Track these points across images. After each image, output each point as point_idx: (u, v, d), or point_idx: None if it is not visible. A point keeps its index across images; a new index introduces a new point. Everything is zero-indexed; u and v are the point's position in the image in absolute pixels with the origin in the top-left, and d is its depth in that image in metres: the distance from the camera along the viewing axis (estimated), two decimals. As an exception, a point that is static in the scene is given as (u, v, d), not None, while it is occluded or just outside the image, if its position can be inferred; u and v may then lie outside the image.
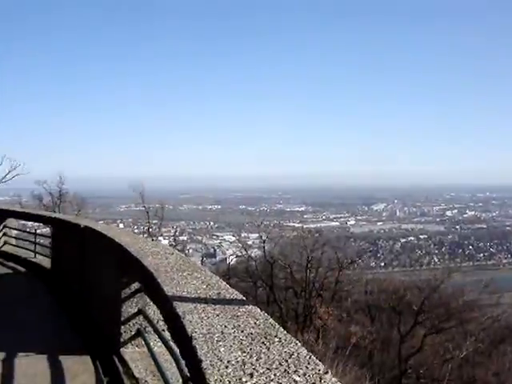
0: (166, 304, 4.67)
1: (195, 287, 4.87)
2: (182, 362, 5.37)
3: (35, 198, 46.75)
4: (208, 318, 3.89)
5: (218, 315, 3.97)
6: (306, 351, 3.31)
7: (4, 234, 17.86)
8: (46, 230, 27.44)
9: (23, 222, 22.71)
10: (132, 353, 7.46)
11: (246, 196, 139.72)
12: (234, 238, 65.15)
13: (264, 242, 41.79)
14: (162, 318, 7.08)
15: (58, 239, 13.70)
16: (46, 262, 15.04)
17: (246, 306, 4.22)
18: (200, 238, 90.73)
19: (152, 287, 5.63)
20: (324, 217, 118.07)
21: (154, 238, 39.07)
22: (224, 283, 5.07)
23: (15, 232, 18.87)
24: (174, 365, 5.82)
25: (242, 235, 59.07)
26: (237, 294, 4.64)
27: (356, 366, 25.22)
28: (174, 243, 51.03)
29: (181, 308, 4.12)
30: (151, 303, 7.26)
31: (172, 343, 6.22)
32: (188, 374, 4.69)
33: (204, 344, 3.35)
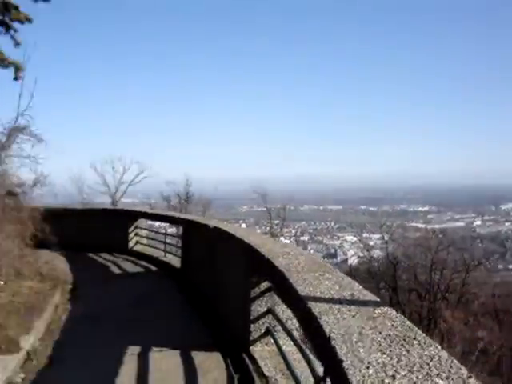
0: (299, 304, 4.72)
1: (328, 288, 4.88)
2: (314, 362, 5.43)
3: (164, 199, 48.37)
4: (344, 318, 3.90)
5: (353, 316, 3.97)
6: (447, 354, 3.26)
7: (136, 234, 18.71)
8: (173, 230, 28.35)
9: (151, 222, 23.58)
10: (261, 351, 7.59)
11: (367, 196, 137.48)
12: (355, 239, 64.51)
13: (386, 242, 41.11)
14: (290, 318, 7.18)
15: (188, 239, 14.14)
16: (175, 261, 15.60)
17: (382, 308, 4.20)
18: (321, 238, 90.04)
19: (283, 287, 5.69)
20: (449, 217, 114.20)
21: (276, 238, 39.43)
22: (357, 284, 5.05)
23: (145, 232, 19.68)
24: (303, 364, 5.88)
25: (364, 236, 58.39)
26: (371, 296, 4.61)
27: (484, 373, 24.27)
28: (295, 243, 51.22)
29: (316, 308, 4.15)
30: (280, 303, 7.37)
31: (301, 343, 6.29)
32: (321, 374, 4.73)
33: (343, 344, 3.37)
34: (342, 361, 3.11)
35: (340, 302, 4.36)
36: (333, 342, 3.41)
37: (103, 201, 46.64)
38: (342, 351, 3.25)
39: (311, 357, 5.63)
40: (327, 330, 3.63)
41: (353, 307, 4.20)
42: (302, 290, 4.79)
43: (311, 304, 4.29)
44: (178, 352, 8.15)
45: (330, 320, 3.85)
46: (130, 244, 18.63)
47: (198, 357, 7.94)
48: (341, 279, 5.26)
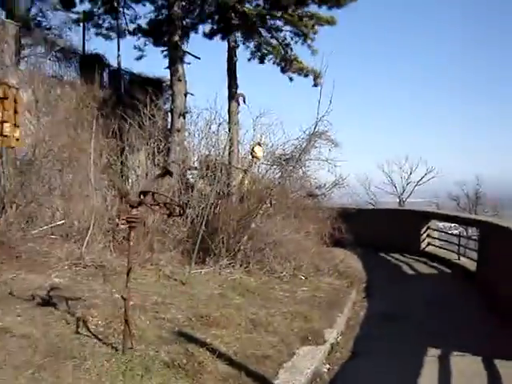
0: None
1: None
2: None
3: (451, 199, 47.32)
4: None
5: None
6: None
7: (428, 236, 18.57)
8: (458, 231, 27.55)
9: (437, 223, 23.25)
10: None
11: None
12: None
13: None
14: None
15: (486, 242, 13.57)
16: (469, 265, 15.13)
17: None
18: None
19: None
20: None
21: None
22: None
23: (437, 233, 19.42)
24: None
25: None
26: None
27: None
28: None
29: None
30: None
31: None
32: None
33: None
34: None
35: None
36: None
37: (389, 201, 47.10)
38: None
39: None
40: None
41: None
42: None
43: None
44: (479, 358, 7.87)
45: None
46: (422, 245, 18.55)
47: (502, 365, 7.58)
48: None
